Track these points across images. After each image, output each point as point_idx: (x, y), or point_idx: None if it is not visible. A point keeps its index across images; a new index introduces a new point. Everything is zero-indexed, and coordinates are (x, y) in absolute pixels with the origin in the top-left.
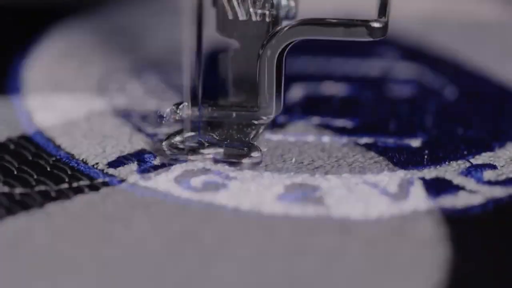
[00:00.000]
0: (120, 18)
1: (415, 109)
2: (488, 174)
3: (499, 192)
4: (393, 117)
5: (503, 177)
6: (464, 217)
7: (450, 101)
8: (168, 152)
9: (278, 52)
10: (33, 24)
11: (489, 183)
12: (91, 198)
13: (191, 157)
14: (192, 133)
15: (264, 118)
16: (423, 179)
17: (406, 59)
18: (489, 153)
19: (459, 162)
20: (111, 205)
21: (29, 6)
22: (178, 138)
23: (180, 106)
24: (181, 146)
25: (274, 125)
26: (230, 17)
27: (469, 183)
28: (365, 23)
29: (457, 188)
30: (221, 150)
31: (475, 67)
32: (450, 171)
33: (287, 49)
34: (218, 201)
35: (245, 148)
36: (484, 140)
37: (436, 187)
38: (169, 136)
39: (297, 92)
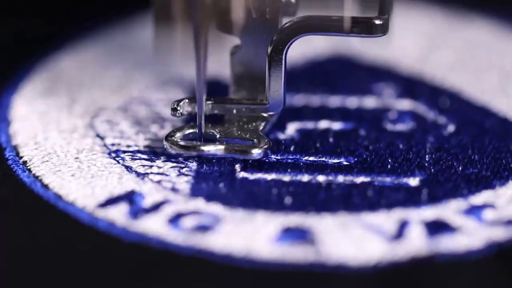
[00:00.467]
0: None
1: (413, 145)
2: (488, 214)
3: (499, 233)
4: (390, 155)
5: (504, 218)
6: (463, 260)
7: (449, 135)
8: (169, 150)
9: (287, 47)
10: (20, 55)
11: (490, 223)
12: None
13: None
14: (193, 130)
15: (272, 111)
16: (421, 219)
17: (403, 92)
18: (489, 192)
19: (459, 201)
20: None
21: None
22: (178, 135)
23: (181, 103)
24: (182, 143)
25: (269, 163)
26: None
27: (469, 223)
28: (367, 19)
29: (457, 229)
30: (222, 147)
31: (475, 97)
32: (449, 210)
33: (289, 46)
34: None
35: (255, 140)
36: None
37: (435, 228)
38: (169, 134)
39: (291, 128)
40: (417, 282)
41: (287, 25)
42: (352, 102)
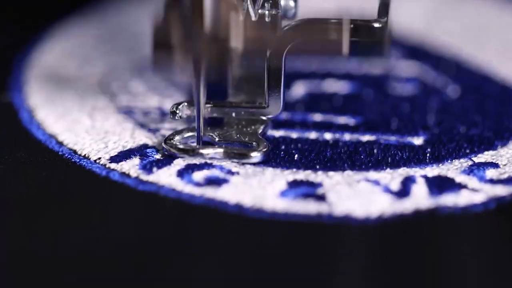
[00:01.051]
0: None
1: (417, 107)
2: (490, 173)
3: (501, 190)
4: (395, 116)
5: (505, 176)
6: (465, 216)
7: (452, 99)
8: (167, 152)
9: (285, 51)
10: (35, 21)
11: (491, 181)
12: None
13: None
14: (192, 133)
15: (271, 114)
16: (425, 177)
17: (408, 57)
18: (491, 152)
19: (462, 160)
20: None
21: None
22: (177, 138)
23: (180, 106)
24: (180, 146)
25: (277, 122)
26: (254, 18)
27: (471, 181)
28: (366, 23)
29: (460, 186)
30: (221, 150)
31: (477, 65)
32: (453, 169)
33: (287, 49)
34: (220, 196)
35: (254, 143)
36: (486, 139)
37: (439, 185)
38: (169, 137)
39: (299, 89)
40: (420, 234)
41: (286, 28)
42: (358, 65)
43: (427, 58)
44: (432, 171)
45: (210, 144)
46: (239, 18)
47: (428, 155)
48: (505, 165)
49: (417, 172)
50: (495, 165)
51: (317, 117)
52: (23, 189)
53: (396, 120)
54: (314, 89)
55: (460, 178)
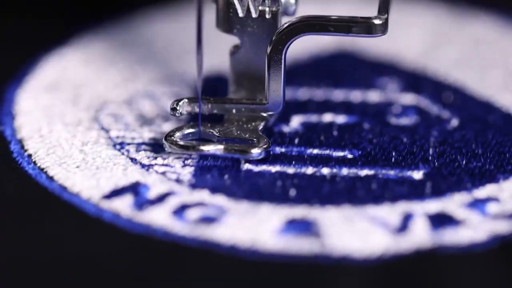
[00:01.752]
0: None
1: (417, 138)
2: (492, 208)
3: (503, 227)
4: (394, 148)
5: (508, 211)
6: (467, 254)
7: (452, 130)
8: (168, 149)
9: (286, 47)
10: (23, 52)
11: (493, 217)
12: None
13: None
14: (192, 130)
15: (272, 111)
16: (425, 212)
17: (407, 86)
18: (493, 185)
19: (462, 194)
20: None
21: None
22: (178, 134)
23: (180, 103)
24: (181, 142)
25: (273, 155)
26: (241, 15)
27: (472, 217)
28: (366, 19)
29: (460, 222)
30: (221, 146)
31: (479, 94)
32: (453, 204)
33: (289, 46)
34: (214, 235)
35: (254, 139)
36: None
37: (439, 221)
38: (169, 133)
39: (296, 121)
40: (421, 274)
41: (286, 25)
42: (356, 96)
43: (426, 89)
44: (432, 206)
45: (210, 140)
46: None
47: (427, 189)
48: (507, 200)
49: (416, 207)
50: (496, 200)
51: (315, 150)
52: (12, 227)
53: (396, 153)
54: (312, 121)
55: (460, 214)
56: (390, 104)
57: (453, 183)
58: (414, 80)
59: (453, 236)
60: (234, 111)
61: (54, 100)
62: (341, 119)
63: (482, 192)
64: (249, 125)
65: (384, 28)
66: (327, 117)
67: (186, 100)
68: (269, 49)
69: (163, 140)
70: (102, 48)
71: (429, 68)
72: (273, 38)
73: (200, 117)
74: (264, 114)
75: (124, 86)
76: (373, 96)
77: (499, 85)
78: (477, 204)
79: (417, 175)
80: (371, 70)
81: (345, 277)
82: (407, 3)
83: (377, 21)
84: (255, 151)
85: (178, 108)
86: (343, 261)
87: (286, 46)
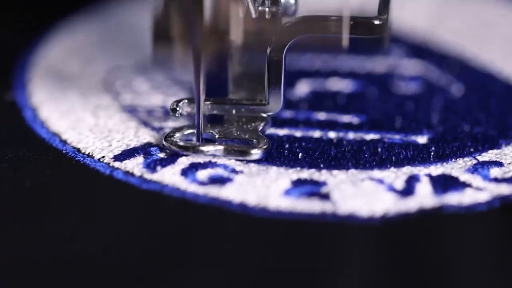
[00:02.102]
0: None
1: (421, 106)
2: (494, 172)
3: (505, 189)
4: (400, 114)
5: (510, 175)
6: (469, 214)
7: (456, 98)
8: (167, 149)
9: (286, 48)
10: (38, 20)
11: (496, 180)
12: None
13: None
14: (192, 130)
15: (272, 111)
16: (429, 176)
17: (412, 56)
18: (495, 151)
19: (466, 159)
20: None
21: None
22: (177, 135)
23: (180, 104)
24: (180, 143)
25: (281, 120)
26: (254, 15)
27: (475, 180)
28: (366, 20)
29: (464, 185)
30: (221, 147)
31: (481, 64)
32: (457, 168)
33: (289, 46)
34: (224, 195)
35: (254, 140)
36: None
37: (443, 184)
38: (169, 134)
39: (303, 88)
40: (424, 232)
41: (286, 25)
42: (362, 64)
43: (431, 57)
44: (436, 170)
45: (210, 141)
46: (239, 10)
47: (432, 153)
48: (509, 163)
49: (421, 171)
50: (499, 164)
51: (321, 115)
52: (27, 187)
53: (400, 119)
54: (318, 87)
55: (464, 177)
56: (395, 73)
57: (457, 147)
58: (419, 50)
59: (456, 198)
60: (234, 111)
61: (67, 66)
62: (347, 86)
63: (484, 156)
64: (249, 126)
65: (384, 28)
66: (334, 84)
67: (186, 101)
68: (269, 49)
69: (163, 140)
70: (109, 23)
71: (433, 38)
72: (273, 39)
73: (200, 118)
74: (264, 115)
75: (136, 52)
76: (379, 64)
77: (501, 55)
78: (480, 168)
79: (422, 139)
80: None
81: (351, 235)
82: None
83: (377, 21)
84: (255, 152)
85: (178, 108)
86: (348, 219)
87: (286, 46)
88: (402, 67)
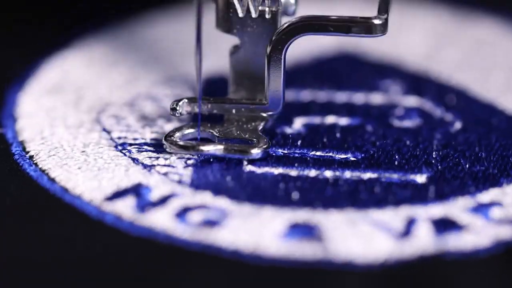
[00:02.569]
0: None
1: (420, 141)
2: (495, 212)
3: (506, 232)
4: (398, 151)
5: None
6: (471, 259)
7: (455, 132)
8: (168, 149)
9: (286, 47)
10: (26, 54)
11: (497, 221)
12: None
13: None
14: (192, 130)
15: (272, 111)
16: (428, 217)
17: (410, 89)
18: (496, 190)
19: (466, 198)
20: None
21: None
22: (177, 135)
23: (180, 103)
24: (181, 143)
25: (276, 157)
26: (241, 15)
27: (476, 221)
28: (366, 20)
29: (464, 227)
30: (221, 146)
31: (482, 96)
32: (457, 208)
33: (289, 46)
34: (216, 239)
35: (254, 139)
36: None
37: (442, 226)
38: (169, 134)
39: (299, 123)
40: (425, 280)
41: (286, 25)
42: (358, 98)
43: (429, 89)
44: (435, 210)
45: (210, 140)
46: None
47: (431, 193)
48: (511, 204)
49: (420, 212)
50: (500, 204)
51: (317, 153)
52: (13, 228)
53: (399, 156)
54: (314, 123)
55: (464, 218)
56: (393, 107)
57: (457, 187)
58: (417, 83)
59: (456, 241)
60: (234, 111)
61: (56, 102)
62: (343, 121)
63: (485, 196)
64: (249, 125)
65: (384, 28)
66: (330, 119)
67: (186, 100)
68: (269, 49)
69: (163, 140)
70: (104, 51)
71: (432, 70)
72: (273, 38)
73: (200, 118)
74: (264, 114)
75: (126, 88)
76: (376, 98)
77: (502, 88)
78: (481, 209)
79: (420, 178)
80: (373, 72)
81: (348, 283)
82: (408, 4)
83: (377, 21)
84: (255, 151)
85: (178, 108)
86: (346, 266)
87: (286, 46)
88: (399, 101)
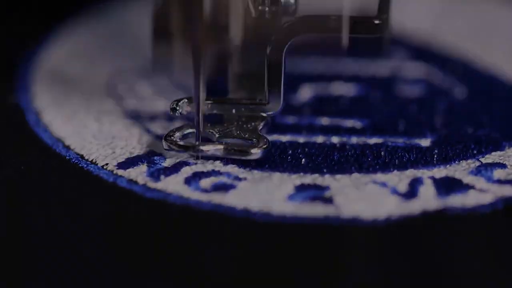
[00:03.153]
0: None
1: (425, 109)
2: (498, 173)
3: (509, 191)
4: (403, 117)
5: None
6: (473, 216)
7: (459, 100)
8: (168, 149)
9: (285, 47)
10: (41, 23)
11: (499, 182)
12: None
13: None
14: (192, 130)
15: (271, 111)
16: (433, 178)
17: (415, 59)
18: (499, 152)
19: (469, 161)
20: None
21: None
22: (177, 135)
23: (180, 103)
24: (180, 143)
25: (284, 125)
26: (254, 15)
27: (479, 182)
28: (366, 19)
29: (467, 187)
30: (221, 146)
31: (484, 66)
32: (460, 170)
33: (288, 45)
34: (227, 202)
35: (254, 139)
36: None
37: (446, 186)
38: (168, 133)
39: (306, 92)
40: (428, 234)
41: (286, 24)
42: (365, 66)
43: (434, 59)
44: (440, 172)
45: (210, 140)
46: (240, 6)
47: (435, 156)
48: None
49: (424, 173)
50: (502, 166)
51: (324, 120)
52: (31, 194)
53: (403, 123)
54: (321, 91)
55: (467, 179)
56: (398, 75)
57: (460, 150)
58: (421, 52)
59: (459, 200)
60: (234, 111)
61: (71, 69)
62: (350, 89)
63: (488, 158)
64: (249, 125)
65: (384, 28)
66: (336, 88)
67: (186, 100)
68: (269, 49)
69: (163, 140)
70: (112, 24)
71: (436, 40)
72: (273, 38)
73: (200, 118)
74: (264, 114)
75: (139, 56)
76: (382, 67)
77: (504, 57)
78: (484, 170)
79: (425, 142)
80: (379, 43)
81: (355, 238)
82: None
83: (377, 21)
84: (255, 151)
85: (177, 108)
86: (352, 222)
87: (285, 46)
88: (404, 70)
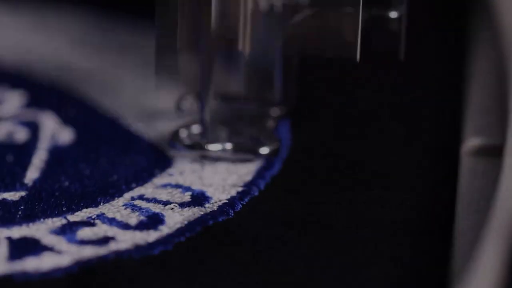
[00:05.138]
0: None
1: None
2: (83, 233)
3: (89, 252)
4: None
5: (98, 236)
6: (47, 281)
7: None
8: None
9: (298, 45)
10: None
11: (82, 242)
12: None
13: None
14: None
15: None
16: (9, 238)
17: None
18: (90, 209)
19: (55, 219)
20: None
21: None
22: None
23: (186, 100)
24: (187, 142)
25: None
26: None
27: (59, 243)
28: (381, 12)
29: (45, 248)
30: (229, 145)
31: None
32: (42, 229)
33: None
34: None
35: (263, 138)
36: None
37: (22, 247)
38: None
39: None
40: None
41: (298, 21)
42: None
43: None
44: (20, 231)
45: (217, 139)
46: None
47: (20, 213)
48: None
49: (2, 232)
50: (91, 224)
51: None
52: None
53: None
54: None
55: (47, 239)
56: None
57: (49, 206)
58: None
59: (35, 262)
60: (243, 109)
61: None
62: None
63: (77, 216)
64: (258, 124)
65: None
66: None
67: (192, 97)
68: (279, 45)
69: (170, 139)
70: None
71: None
72: (284, 35)
73: (207, 116)
74: (274, 113)
75: None
76: None
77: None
78: (68, 229)
79: (14, 197)
80: None
81: None
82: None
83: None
84: (264, 150)
85: (182, 106)
86: None
87: (298, 43)
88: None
